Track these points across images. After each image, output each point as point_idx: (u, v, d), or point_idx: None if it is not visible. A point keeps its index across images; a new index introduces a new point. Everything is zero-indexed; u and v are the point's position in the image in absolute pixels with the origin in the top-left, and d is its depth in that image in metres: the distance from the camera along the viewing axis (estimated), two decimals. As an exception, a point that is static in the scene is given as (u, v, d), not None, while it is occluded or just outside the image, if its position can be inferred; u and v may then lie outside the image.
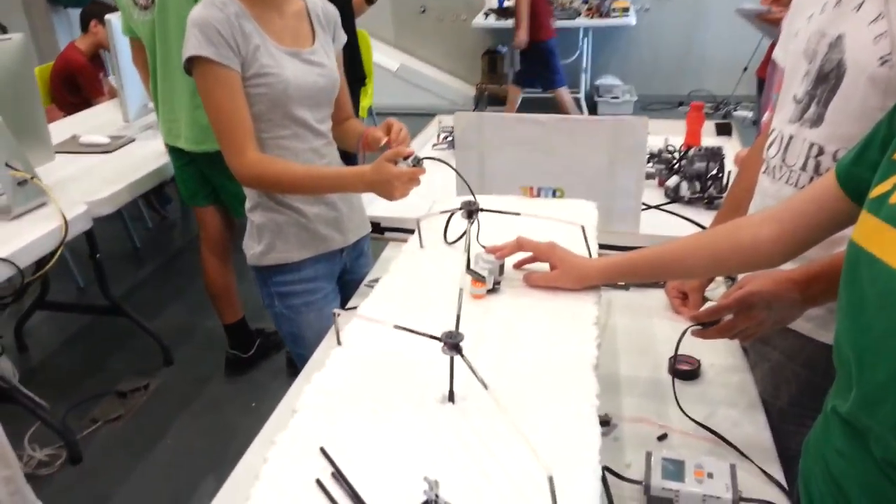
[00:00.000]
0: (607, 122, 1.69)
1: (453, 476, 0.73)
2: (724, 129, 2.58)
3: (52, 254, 1.97)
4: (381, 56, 6.02)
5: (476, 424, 0.81)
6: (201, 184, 2.37)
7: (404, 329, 0.87)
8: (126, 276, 3.50)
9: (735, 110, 5.52)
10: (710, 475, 0.99)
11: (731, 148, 2.39)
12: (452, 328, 0.83)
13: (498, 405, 0.73)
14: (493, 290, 1.10)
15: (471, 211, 1.13)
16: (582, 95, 5.90)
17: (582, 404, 0.84)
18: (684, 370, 1.28)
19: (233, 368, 2.64)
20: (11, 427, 2.28)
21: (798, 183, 1.13)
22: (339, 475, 0.73)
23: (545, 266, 1.13)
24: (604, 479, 0.98)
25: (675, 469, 1.01)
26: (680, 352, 1.31)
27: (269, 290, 1.56)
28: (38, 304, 2.81)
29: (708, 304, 1.13)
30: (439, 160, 1.42)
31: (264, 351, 2.64)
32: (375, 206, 2.04)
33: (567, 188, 1.81)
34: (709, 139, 2.45)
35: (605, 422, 1.18)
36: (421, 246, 1.28)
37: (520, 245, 1.12)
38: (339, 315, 0.96)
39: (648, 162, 2.20)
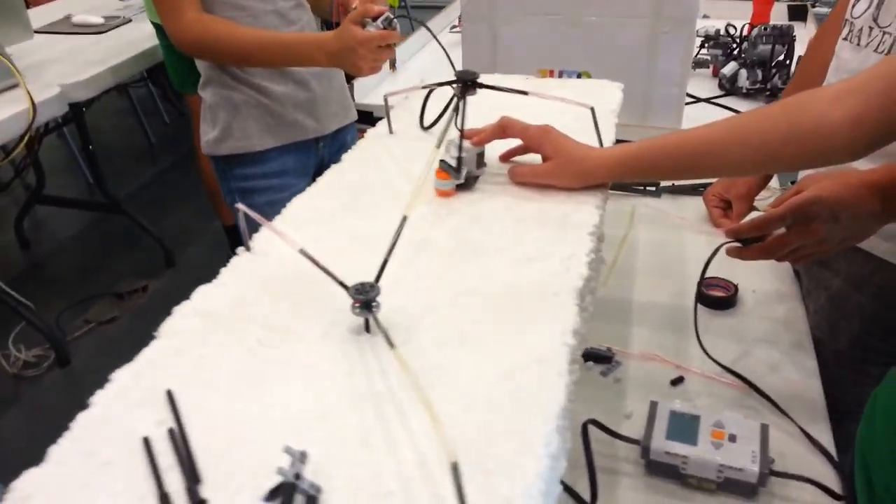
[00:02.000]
0: (648, -15, 1.36)
1: (341, 444, 0.50)
2: (798, 13, 2.18)
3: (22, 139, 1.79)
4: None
5: (397, 367, 0.57)
6: (190, 67, 2.11)
7: (310, 259, 0.63)
8: (138, 173, 3.34)
9: (814, 5, 4.89)
10: (732, 438, 0.75)
11: (806, 35, 2.01)
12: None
13: (401, 365, 0.49)
14: (464, 187, 0.85)
15: (466, 84, 0.85)
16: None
17: (552, 344, 0.60)
18: (715, 297, 1.02)
19: (235, 272, 2.45)
20: (-6, 325, 2.20)
21: (893, 50, 0.82)
22: (176, 431, 0.51)
23: (539, 158, 0.86)
24: (585, 436, 0.75)
25: (685, 427, 0.77)
26: (714, 274, 1.05)
27: (229, 184, 1.33)
28: (35, 199, 2.67)
29: (753, 215, 0.85)
30: (416, 20, 1.14)
31: (268, 255, 2.45)
32: (374, 94, 1.78)
33: (595, 72, 1.50)
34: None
35: (605, 357, 0.94)
36: (390, 131, 1.02)
37: (503, 128, 0.86)
38: (242, 211, 0.72)
39: (702, 47, 1.86)
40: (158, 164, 3.47)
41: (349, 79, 1.76)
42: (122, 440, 0.51)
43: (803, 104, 0.70)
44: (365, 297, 0.59)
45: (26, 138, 1.78)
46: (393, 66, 1.90)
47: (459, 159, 0.83)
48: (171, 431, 0.51)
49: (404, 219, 0.67)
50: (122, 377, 0.57)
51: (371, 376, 0.57)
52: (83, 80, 1.99)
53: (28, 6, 2.93)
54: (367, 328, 0.61)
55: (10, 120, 1.75)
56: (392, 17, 1.06)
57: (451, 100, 0.84)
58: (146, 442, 0.51)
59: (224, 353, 0.59)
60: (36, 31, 2.35)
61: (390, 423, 0.52)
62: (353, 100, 1.74)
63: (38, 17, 2.58)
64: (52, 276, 2.63)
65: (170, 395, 0.55)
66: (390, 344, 0.53)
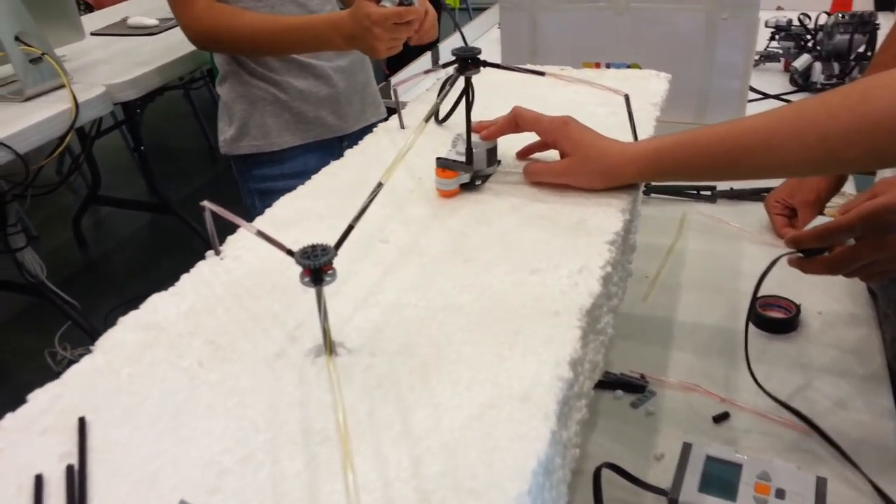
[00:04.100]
0: (705, -34, 1.22)
1: (257, 496, 0.41)
2: (886, 1, 1.97)
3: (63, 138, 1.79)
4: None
5: (351, 400, 0.48)
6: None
7: (263, 237, 0.54)
8: (196, 175, 3.37)
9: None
10: (779, 493, 0.62)
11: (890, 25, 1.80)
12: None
13: (334, 386, 0.39)
14: (470, 186, 0.75)
15: (465, 61, 0.72)
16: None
17: (541, 378, 0.49)
18: (773, 318, 0.88)
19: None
20: (44, 324, 2.22)
21: None
22: (76, 470, 0.43)
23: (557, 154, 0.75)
24: (597, 483, 0.64)
25: (724, 476, 0.64)
26: (774, 291, 0.91)
27: (248, 185, 1.27)
28: (91, 199, 2.72)
29: (817, 222, 0.72)
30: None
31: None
32: (412, 90, 1.69)
33: (646, 64, 1.36)
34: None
35: (637, 386, 0.81)
36: (402, 126, 0.93)
37: (515, 119, 0.75)
38: (209, 209, 0.65)
39: (773, 38, 1.69)
40: (217, 165, 3.50)
41: (388, 74, 1.68)
42: (14, 476, 0.44)
43: (870, 89, 0.56)
44: (313, 264, 0.47)
45: (68, 137, 1.78)
46: (436, 63, 1.81)
47: (469, 151, 0.72)
48: (69, 469, 0.43)
49: (379, 185, 0.58)
50: (38, 398, 0.50)
51: (319, 410, 0.47)
52: (128, 80, 1.98)
53: (92, 9, 3.01)
54: (328, 349, 0.52)
55: (54, 119, 1.76)
56: None
57: (444, 84, 0.73)
58: (38, 481, 0.43)
59: (156, 374, 0.51)
60: (93, 34, 2.39)
61: (321, 472, 0.42)
62: (391, 96, 1.66)
63: (101, 18, 2.63)
64: (105, 275, 2.66)
65: (81, 424, 0.47)
66: (328, 351, 0.44)
